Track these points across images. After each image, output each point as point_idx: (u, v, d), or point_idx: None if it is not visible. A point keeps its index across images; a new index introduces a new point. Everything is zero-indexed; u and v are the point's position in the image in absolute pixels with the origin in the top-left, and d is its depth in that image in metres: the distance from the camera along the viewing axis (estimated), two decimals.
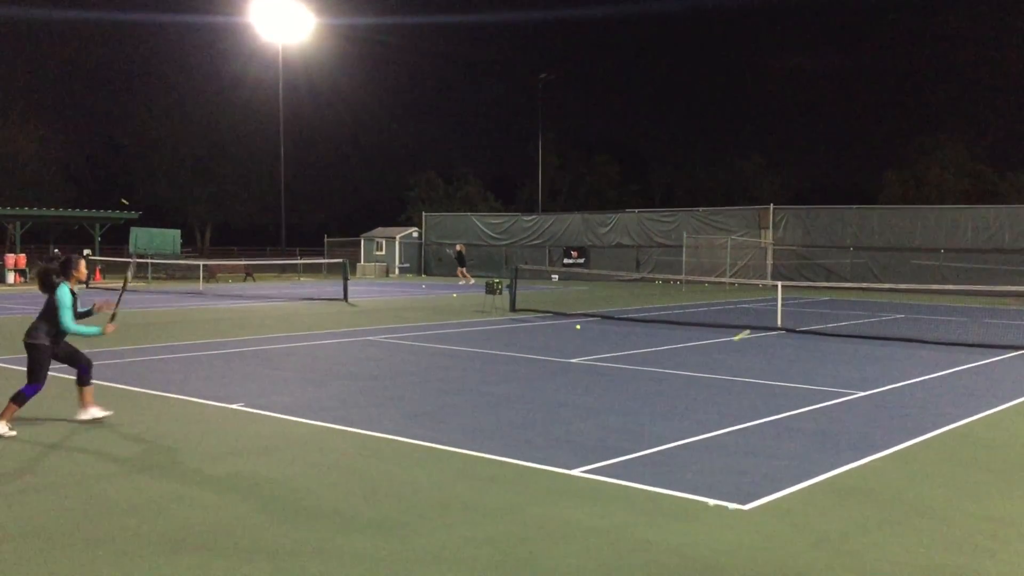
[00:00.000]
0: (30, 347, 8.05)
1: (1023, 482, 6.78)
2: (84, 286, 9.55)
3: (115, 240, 47.74)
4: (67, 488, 6.42)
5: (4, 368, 11.92)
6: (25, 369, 8.13)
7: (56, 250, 43.22)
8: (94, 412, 8.50)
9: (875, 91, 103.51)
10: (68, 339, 8.32)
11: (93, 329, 8.24)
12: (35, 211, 39.79)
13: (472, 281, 36.85)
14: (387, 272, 46.38)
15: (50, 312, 8.05)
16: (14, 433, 7.91)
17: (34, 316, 8.26)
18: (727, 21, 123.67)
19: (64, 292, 8.08)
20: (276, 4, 44.19)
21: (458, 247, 39.87)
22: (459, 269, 38.73)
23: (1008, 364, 13.26)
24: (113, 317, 8.60)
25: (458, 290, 31.65)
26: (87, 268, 8.69)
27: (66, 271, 8.23)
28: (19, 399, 7.99)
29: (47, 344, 8.06)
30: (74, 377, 8.53)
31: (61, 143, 66.86)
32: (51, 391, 10.32)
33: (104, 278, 38.20)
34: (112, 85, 73.83)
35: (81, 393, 8.46)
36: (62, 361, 8.36)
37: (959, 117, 74.32)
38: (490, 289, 22.62)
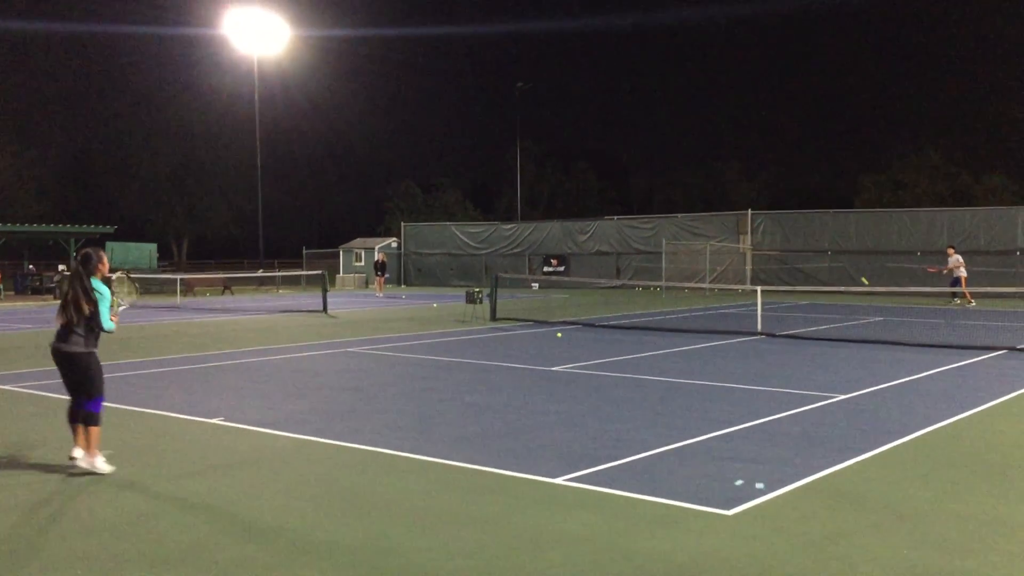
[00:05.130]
0: (77, 357, 7.12)
1: (1005, 482, 6.80)
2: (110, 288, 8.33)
3: None
4: (40, 506, 6.31)
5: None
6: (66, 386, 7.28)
7: (31, 266, 42.77)
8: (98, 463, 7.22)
9: (851, 96, 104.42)
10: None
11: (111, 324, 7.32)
12: (8, 226, 39.36)
13: (381, 294, 34.97)
14: (366, 283, 46.24)
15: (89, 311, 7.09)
16: (112, 468, 7.15)
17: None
18: (705, 30, 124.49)
19: (102, 286, 7.23)
20: (251, 16, 44.04)
21: (379, 256, 38.19)
22: (378, 278, 36.40)
23: (987, 365, 13.35)
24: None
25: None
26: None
27: (87, 267, 7.23)
28: (97, 420, 7.13)
29: (95, 350, 7.22)
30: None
31: (34, 157, 66.24)
32: (27, 408, 10.21)
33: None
34: (85, 98, 73.23)
35: (88, 434, 7.23)
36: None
37: (934, 121, 75.11)
38: (470, 298, 22.56)
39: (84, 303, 7.08)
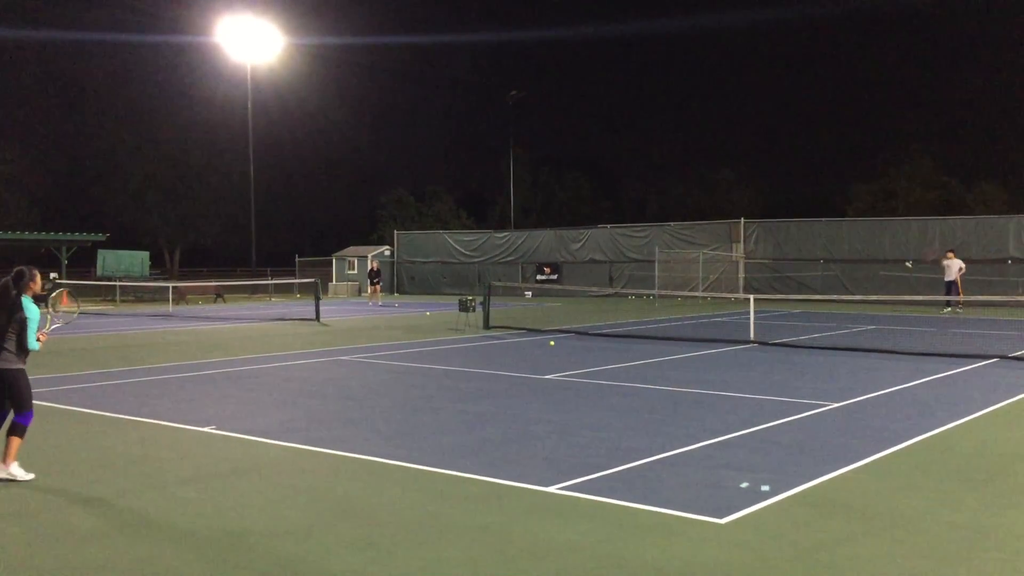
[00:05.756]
0: (5, 373, 7.20)
1: (997, 490, 6.82)
2: (44, 304, 8.30)
3: (82, 263, 47.16)
4: (29, 516, 6.28)
5: None
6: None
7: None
8: (14, 470, 7.24)
9: (843, 105, 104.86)
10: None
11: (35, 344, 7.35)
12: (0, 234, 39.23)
13: (380, 303, 34.75)
14: (359, 291, 46.18)
15: (16, 328, 7.20)
16: (31, 476, 7.21)
17: None
18: (698, 39, 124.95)
19: (31, 304, 7.27)
20: (244, 24, 44.06)
21: (373, 264, 38.11)
22: (372, 287, 36.09)
23: (979, 373, 13.39)
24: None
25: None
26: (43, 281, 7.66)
27: (18, 284, 7.27)
28: (20, 431, 7.18)
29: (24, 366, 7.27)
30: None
31: (26, 165, 66.03)
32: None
33: (71, 301, 37.69)
34: (78, 106, 72.88)
35: (8, 443, 7.23)
36: None
37: (926, 130, 75.50)
38: (463, 306, 22.55)
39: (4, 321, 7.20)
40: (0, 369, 7.21)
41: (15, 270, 7.39)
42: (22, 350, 7.27)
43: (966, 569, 5.10)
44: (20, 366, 7.27)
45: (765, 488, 6.39)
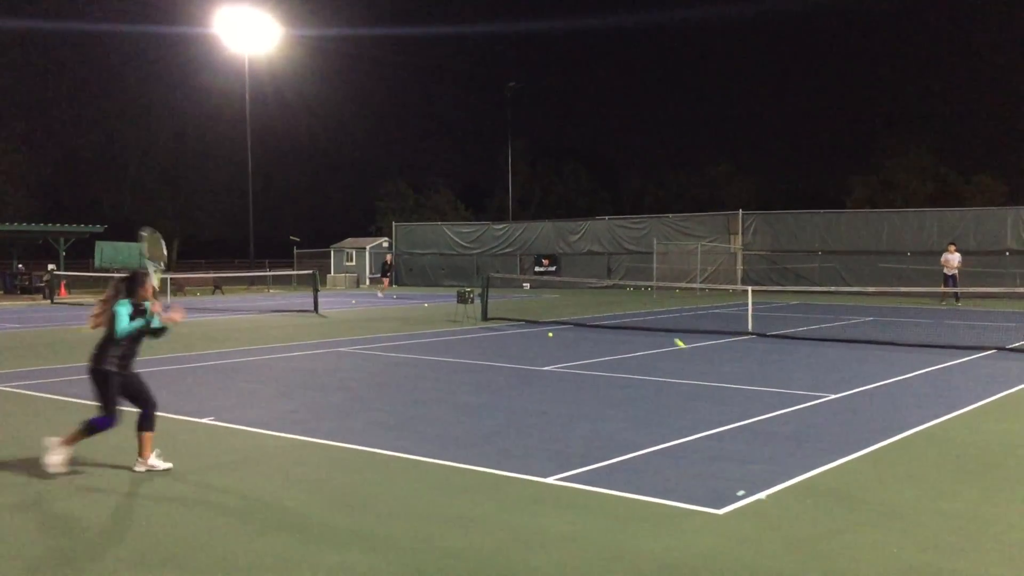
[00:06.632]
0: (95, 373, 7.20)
1: (994, 482, 6.84)
2: (145, 308, 7.98)
3: (80, 254, 47.11)
4: (28, 508, 6.29)
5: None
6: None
7: (20, 265, 42.57)
8: (154, 463, 7.30)
9: (841, 97, 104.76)
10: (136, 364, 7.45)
11: (154, 321, 7.34)
12: None
13: (384, 294, 34.87)
14: (357, 283, 46.16)
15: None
16: (170, 465, 7.27)
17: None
18: (696, 31, 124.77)
19: (123, 307, 7.20)
20: (242, 15, 43.93)
21: (388, 257, 38.58)
22: (385, 278, 36.71)
23: (976, 365, 13.41)
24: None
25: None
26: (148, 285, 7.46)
27: (131, 289, 7.29)
28: (88, 429, 7.19)
29: (114, 370, 7.21)
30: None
31: (23, 156, 65.89)
32: (9, 407, 10.17)
33: (70, 293, 37.68)
34: (76, 98, 72.69)
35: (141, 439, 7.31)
36: (126, 397, 7.34)
37: (924, 122, 75.34)
38: (462, 298, 22.55)
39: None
40: (129, 373, 7.30)
41: (130, 273, 7.49)
42: (106, 349, 7.25)
43: (963, 559, 5.12)
44: (108, 367, 7.23)
45: (740, 493, 6.32)
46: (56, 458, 7.10)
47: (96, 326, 7.30)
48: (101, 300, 7.35)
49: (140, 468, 7.20)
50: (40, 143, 69.27)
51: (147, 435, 7.25)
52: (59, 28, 69.57)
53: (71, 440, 7.19)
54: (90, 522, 5.93)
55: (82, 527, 5.83)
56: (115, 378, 7.20)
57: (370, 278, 46.29)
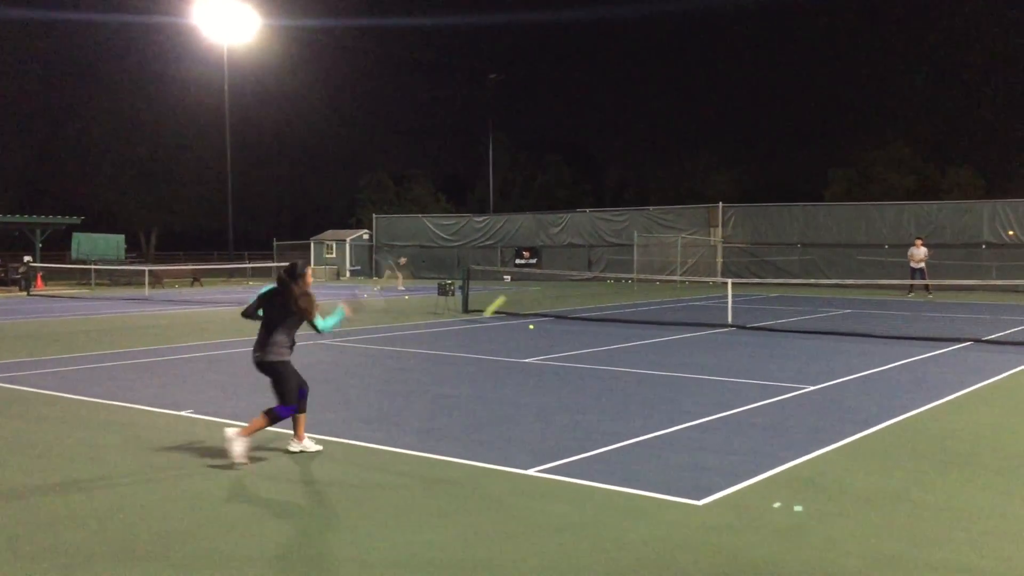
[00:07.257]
0: (272, 365, 7.37)
1: (971, 472, 6.90)
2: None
3: (57, 246, 46.67)
4: (2, 502, 6.23)
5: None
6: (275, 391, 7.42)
7: None
8: (307, 445, 7.56)
9: (820, 90, 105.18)
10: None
11: (339, 314, 7.59)
12: None
13: (400, 285, 34.93)
14: (338, 275, 46.01)
15: (289, 321, 7.38)
16: (320, 448, 7.52)
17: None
18: (676, 23, 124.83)
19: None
20: (221, 5, 43.56)
21: (401, 260, 38.38)
22: (399, 274, 36.53)
23: (953, 356, 13.54)
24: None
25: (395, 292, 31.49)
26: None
27: (292, 277, 7.42)
28: (272, 416, 7.28)
29: (288, 359, 7.45)
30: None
31: None
32: None
33: (46, 285, 37.33)
34: (51, 87, 71.86)
35: (295, 421, 7.53)
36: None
37: (902, 115, 75.76)
38: (442, 290, 22.53)
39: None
40: (269, 361, 7.37)
41: (290, 263, 7.59)
42: (293, 342, 7.51)
43: (939, 548, 5.17)
44: (286, 358, 7.44)
45: (798, 509, 5.97)
46: (239, 448, 7.11)
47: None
48: (308, 292, 7.41)
49: (295, 448, 7.49)
50: (15, 133, 68.51)
51: (302, 417, 7.52)
52: (33, 17, 68.76)
53: (252, 430, 7.26)
54: (62, 517, 5.87)
55: (53, 521, 5.77)
56: (290, 366, 7.43)
57: (350, 270, 46.10)
